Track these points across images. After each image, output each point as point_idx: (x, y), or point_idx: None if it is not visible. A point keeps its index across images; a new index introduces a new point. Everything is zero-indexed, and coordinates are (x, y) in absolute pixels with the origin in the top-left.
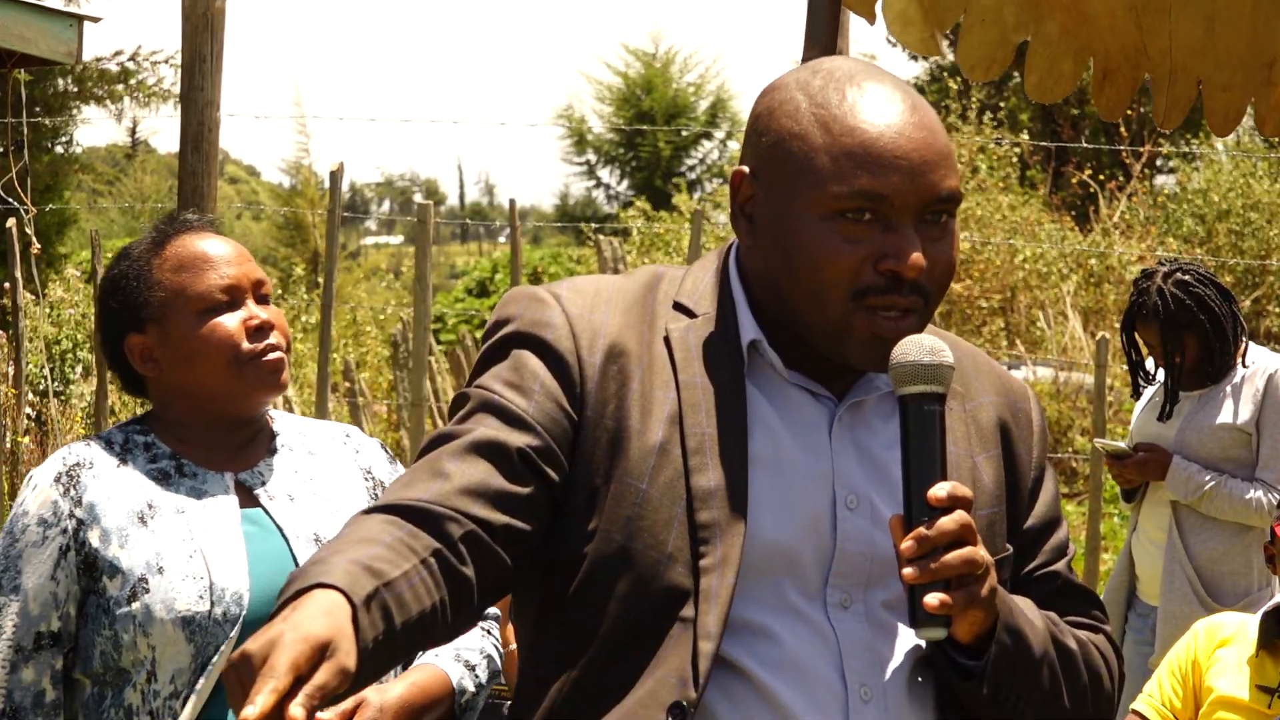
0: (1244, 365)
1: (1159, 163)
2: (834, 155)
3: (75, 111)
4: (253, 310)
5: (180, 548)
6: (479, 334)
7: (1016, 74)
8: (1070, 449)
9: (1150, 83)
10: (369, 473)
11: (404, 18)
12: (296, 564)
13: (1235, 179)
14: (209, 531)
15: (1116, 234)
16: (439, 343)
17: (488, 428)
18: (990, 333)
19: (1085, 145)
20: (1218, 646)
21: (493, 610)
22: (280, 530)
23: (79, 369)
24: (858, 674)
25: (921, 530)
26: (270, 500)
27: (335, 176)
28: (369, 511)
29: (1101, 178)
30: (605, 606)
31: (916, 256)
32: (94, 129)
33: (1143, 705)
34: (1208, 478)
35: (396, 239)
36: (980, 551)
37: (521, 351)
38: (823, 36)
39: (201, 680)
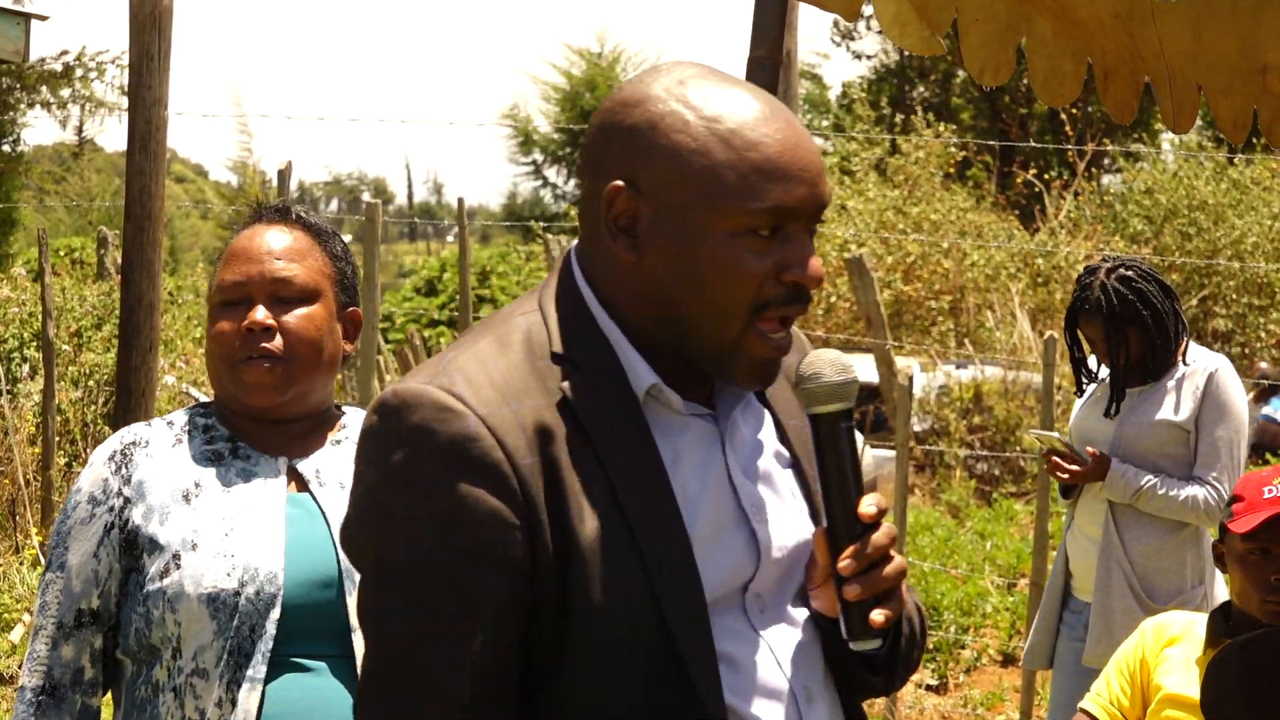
0: (1184, 363)
1: (1106, 162)
2: (741, 171)
3: (19, 113)
4: (259, 312)
5: (217, 526)
6: (427, 332)
7: (1002, 79)
8: (1019, 448)
9: (1153, 86)
10: None
11: (351, 17)
12: (336, 551)
13: (1182, 179)
14: (250, 511)
15: (1063, 233)
16: (387, 341)
17: (471, 615)
18: (939, 333)
19: (1032, 144)
20: (1166, 645)
21: None
22: (324, 516)
23: (26, 368)
24: (799, 677)
25: (857, 547)
26: (320, 487)
27: (283, 175)
28: None
29: (1047, 177)
30: (598, 695)
31: (816, 264)
32: (40, 128)
33: (1090, 704)
34: (1144, 479)
35: (345, 238)
36: (901, 560)
37: (450, 477)
38: (769, 37)
39: (250, 666)
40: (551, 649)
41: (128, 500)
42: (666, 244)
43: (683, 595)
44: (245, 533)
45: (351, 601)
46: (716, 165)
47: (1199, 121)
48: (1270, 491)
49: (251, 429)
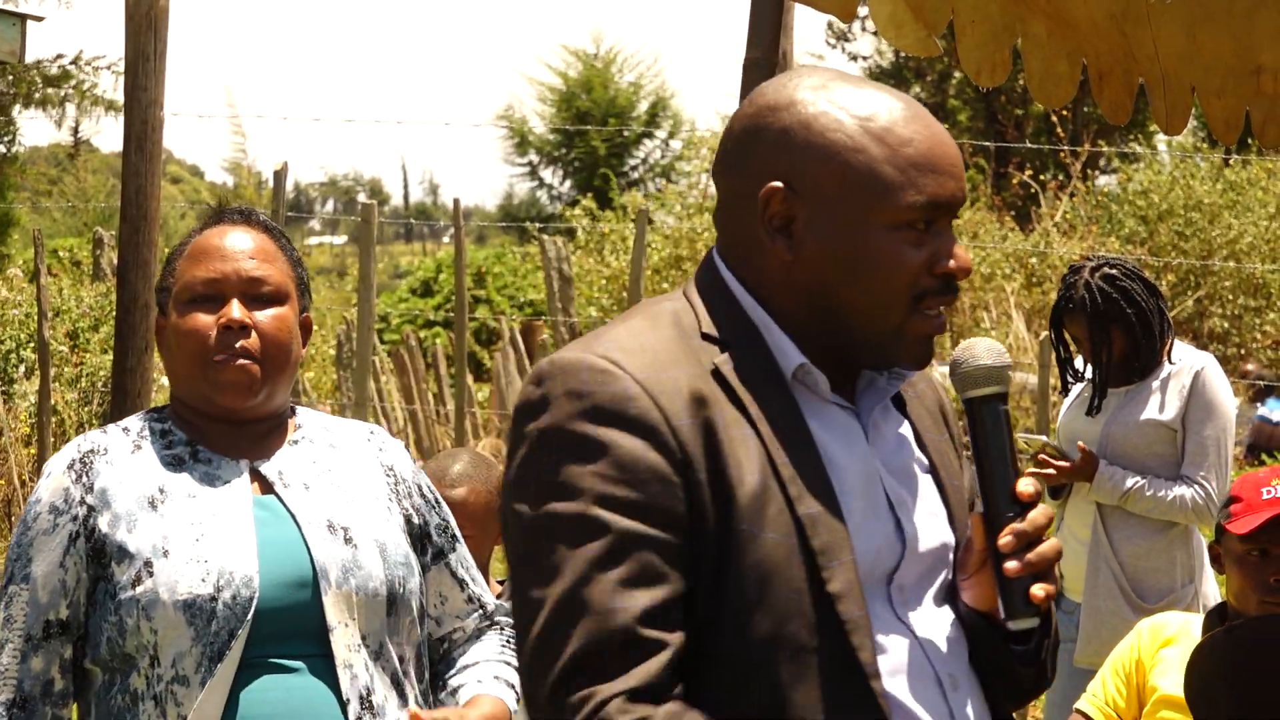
0: (1170, 362)
1: (1101, 163)
2: (899, 166)
3: (15, 113)
4: (233, 311)
5: (187, 531)
6: (423, 333)
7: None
8: None
9: (1146, 87)
10: (391, 469)
11: (347, 17)
12: (309, 551)
13: (1177, 179)
14: (218, 516)
15: (1058, 234)
16: (383, 342)
17: (635, 562)
18: None
19: (1028, 145)
20: (1161, 646)
21: (505, 608)
22: (293, 517)
23: (22, 369)
24: (944, 665)
25: (1018, 525)
26: (285, 488)
27: (279, 176)
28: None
29: (1043, 178)
30: (756, 660)
31: (965, 255)
32: (36, 129)
33: (1086, 705)
34: (1130, 481)
35: (340, 239)
36: (1057, 540)
37: (611, 436)
38: (765, 38)
39: (220, 666)
40: (708, 607)
41: (92, 509)
42: (826, 240)
43: (838, 560)
44: (216, 537)
45: (328, 600)
46: (874, 161)
47: (1194, 122)
48: (1269, 493)
49: (211, 432)
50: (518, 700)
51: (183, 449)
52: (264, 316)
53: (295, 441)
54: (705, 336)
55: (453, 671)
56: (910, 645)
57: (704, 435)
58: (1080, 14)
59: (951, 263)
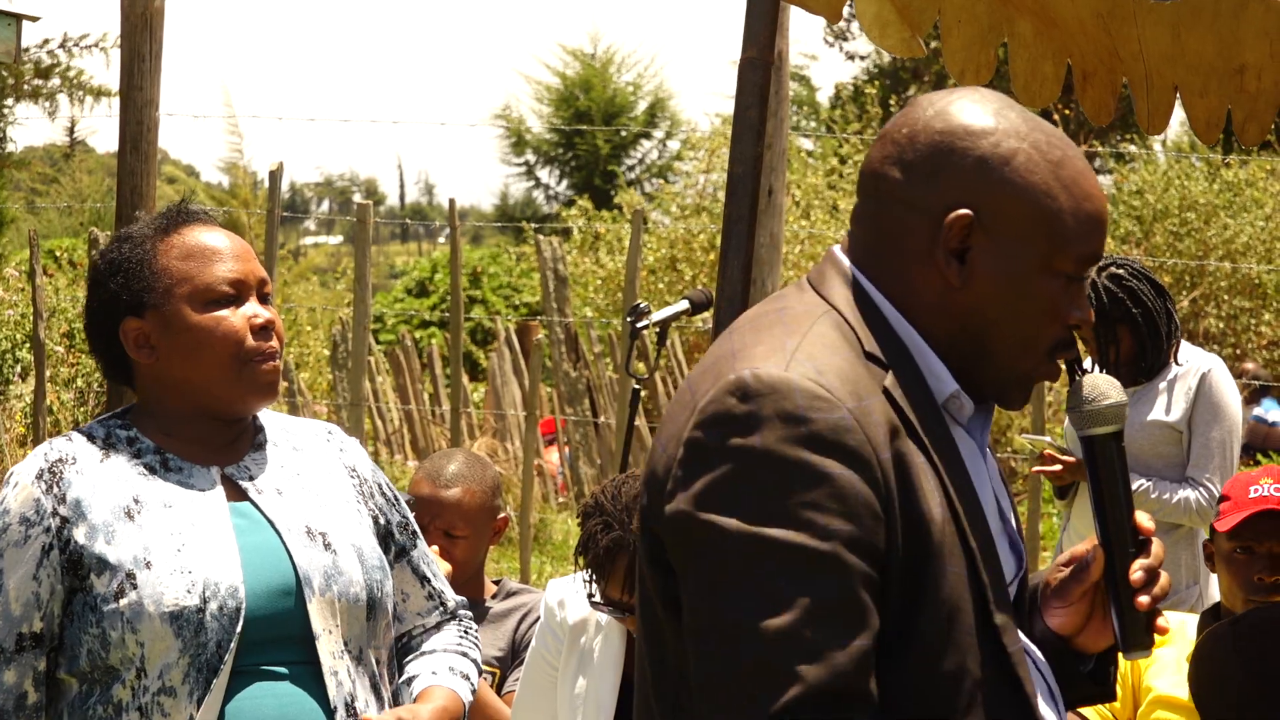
0: (1177, 363)
1: (1097, 163)
2: (1079, 218)
3: (9, 110)
4: (257, 309)
5: (168, 542)
6: (418, 333)
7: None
8: (1009, 449)
9: (1130, 86)
10: (354, 470)
11: (343, 17)
12: (290, 557)
13: (1172, 179)
14: (197, 525)
15: None
16: (378, 343)
17: (854, 600)
18: None
19: None
20: (1156, 646)
21: (462, 601)
22: (271, 523)
23: (18, 369)
24: (1051, 681)
25: (1146, 561)
26: (259, 494)
27: (274, 176)
28: None
29: None
30: (940, 696)
31: (1088, 308)
32: (31, 128)
33: None
34: (1136, 483)
35: (336, 239)
36: (1166, 575)
37: (830, 466)
38: (760, 37)
39: (216, 680)
40: (896, 643)
41: (65, 520)
42: (997, 276)
43: (1000, 592)
44: (198, 547)
45: (312, 608)
46: (1061, 209)
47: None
48: (1256, 491)
49: (181, 438)
50: (472, 691)
51: (152, 457)
52: (274, 315)
53: (260, 445)
54: (868, 355)
55: (409, 658)
56: (1032, 666)
57: (897, 467)
58: (1067, 13)
59: (1083, 315)
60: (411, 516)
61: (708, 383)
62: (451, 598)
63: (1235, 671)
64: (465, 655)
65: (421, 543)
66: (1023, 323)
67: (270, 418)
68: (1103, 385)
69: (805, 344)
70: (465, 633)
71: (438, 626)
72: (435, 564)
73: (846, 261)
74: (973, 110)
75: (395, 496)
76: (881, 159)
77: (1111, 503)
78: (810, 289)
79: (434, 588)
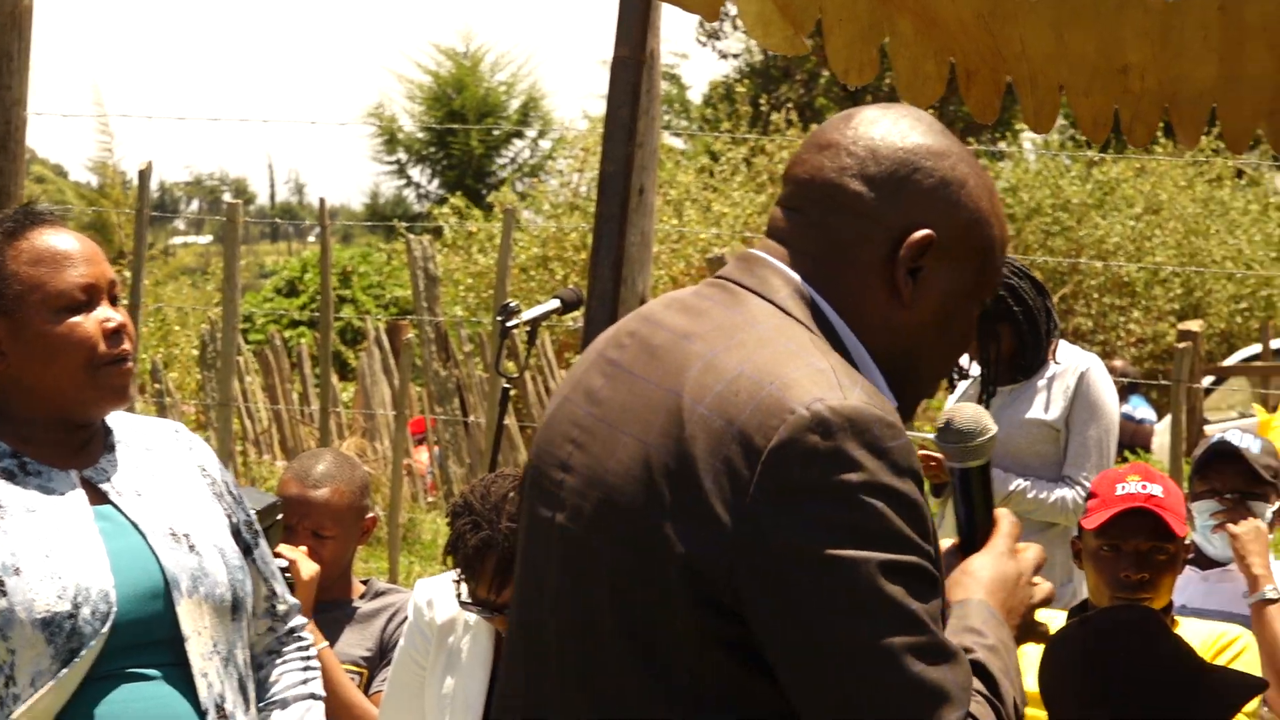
0: (1056, 362)
1: None
2: (1003, 248)
3: None
4: (109, 312)
5: (35, 547)
6: (287, 333)
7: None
8: None
9: (1014, 86)
10: (204, 470)
11: (213, 15)
12: (157, 560)
13: (1045, 178)
14: (63, 530)
15: None
16: (247, 342)
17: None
18: None
19: None
20: (1023, 643)
21: (295, 605)
22: (135, 526)
23: None
24: None
25: None
26: (119, 496)
27: (144, 175)
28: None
29: None
30: None
31: None
32: None
33: None
34: (1014, 484)
35: (205, 238)
36: None
37: (909, 488)
38: (633, 36)
39: (65, 670)
40: None
41: None
42: (941, 297)
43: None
44: (66, 552)
45: (181, 610)
46: (994, 239)
47: (1062, 120)
48: (1123, 488)
49: (37, 442)
50: None
51: (9, 461)
52: (124, 316)
53: (112, 447)
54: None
55: (264, 703)
56: None
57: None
58: (948, 13)
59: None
60: (254, 514)
61: (745, 412)
62: (285, 599)
63: (1080, 671)
64: (314, 695)
65: (263, 541)
66: (949, 346)
67: (117, 418)
68: (984, 420)
69: (835, 366)
70: (307, 662)
71: (279, 645)
72: (274, 563)
73: (792, 272)
74: (926, 130)
75: (239, 495)
76: (838, 170)
77: (981, 527)
78: (755, 296)
79: (272, 587)
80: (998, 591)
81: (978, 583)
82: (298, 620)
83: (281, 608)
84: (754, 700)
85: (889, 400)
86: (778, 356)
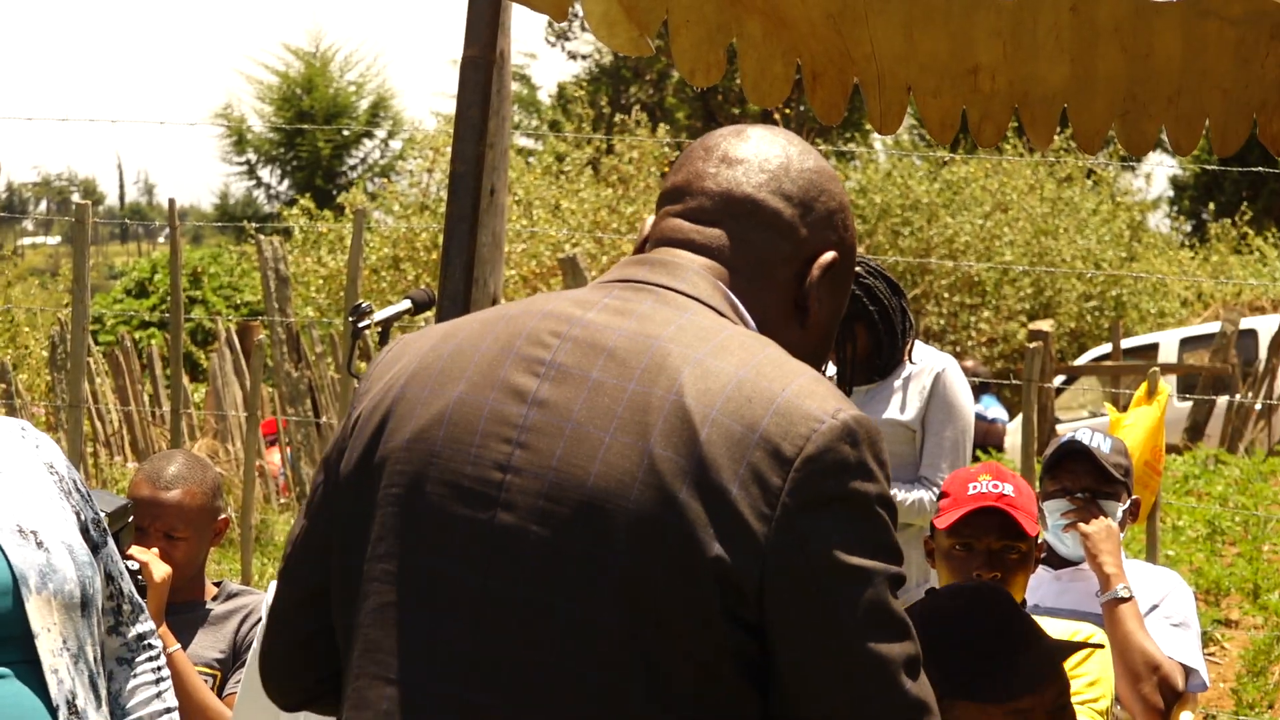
0: (911, 362)
1: None
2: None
3: None
4: None
5: None
6: (138, 334)
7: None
8: None
9: (861, 87)
10: (52, 468)
11: (60, 14)
12: (5, 557)
13: (895, 179)
14: None
15: None
16: (97, 344)
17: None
18: None
19: None
20: None
21: (149, 629)
22: None
23: None
24: None
25: None
26: None
27: None
28: None
29: None
30: None
31: None
32: None
33: None
34: None
35: (54, 239)
36: None
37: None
38: (482, 36)
39: None
40: None
41: None
42: (828, 318)
43: None
44: None
45: (30, 606)
46: (852, 264)
47: (911, 121)
48: (975, 488)
49: None
50: None
51: None
52: None
53: None
54: None
55: None
56: None
57: None
58: (797, 13)
59: None
60: (102, 514)
61: (765, 419)
62: (131, 598)
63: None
64: (169, 710)
65: (110, 540)
66: (820, 363)
67: None
68: None
69: (820, 378)
70: (159, 674)
71: (130, 661)
72: (121, 564)
73: (719, 282)
74: (813, 153)
75: (88, 493)
76: (756, 186)
77: None
78: (694, 301)
79: (118, 587)
80: None
81: None
82: (145, 626)
83: (127, 608)
84: (745, 714)
85: None
86: (771, 361)
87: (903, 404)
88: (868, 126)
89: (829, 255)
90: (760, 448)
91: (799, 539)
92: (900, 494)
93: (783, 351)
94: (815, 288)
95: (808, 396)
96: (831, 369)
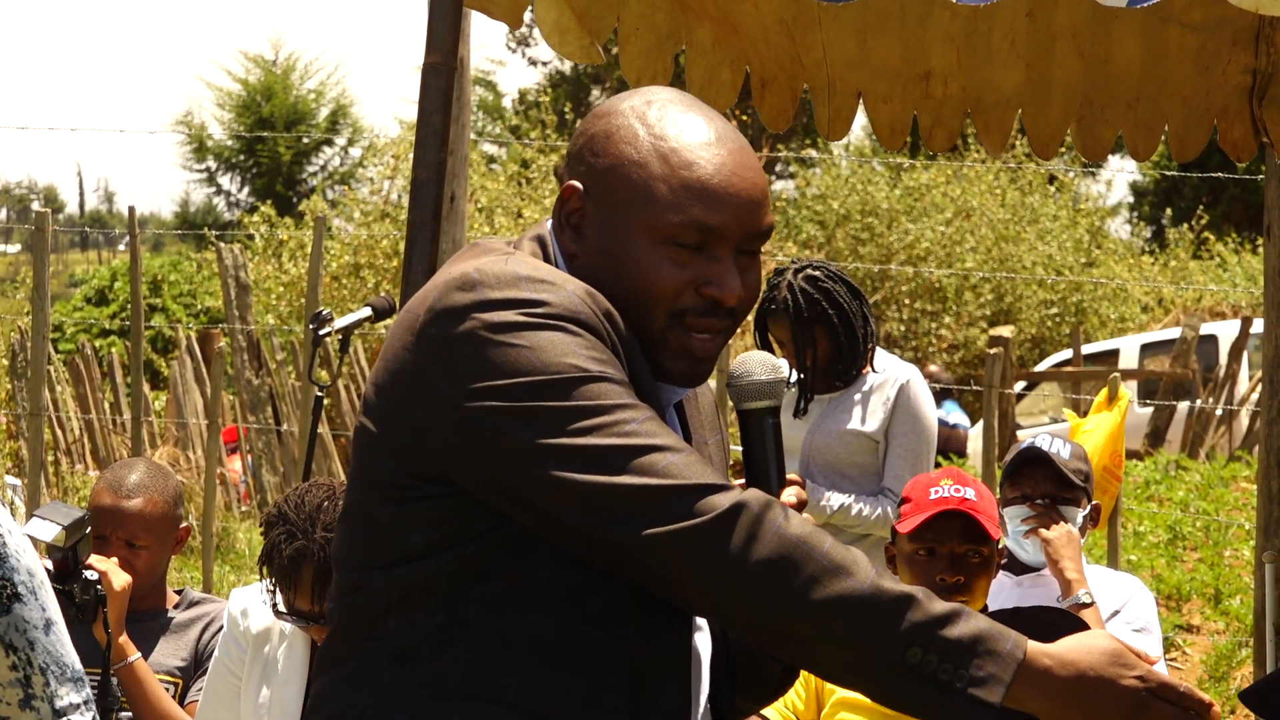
0: (874, 369)
1: (779, 168)
2: (672, 186)
3: None
4: None
5: None
6: (98, 342)
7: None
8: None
9: (810, 93)
10: None
11: (18, 21)
12: None
13: (855, 184)
14: None
15: None
16: (58, 352)
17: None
18: None
19: None
20: None
21: (85, 704)
22: None
23: None
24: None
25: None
26: None
27: None
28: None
29: None
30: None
31: (736, 285)
32: None
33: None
34: (835, 501)
35: (14, 247)
36: None
37: (559, 324)
38: (443, 43)
39: None
40: None
41: None
42: (599, 242)
43: None
44: None
45: None
46: (650, 178)
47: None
48: (936, 492)
49: None
50: None
51: None
52: None
53: None
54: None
55: None
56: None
57: None
58: (749, 19)
59: (713, 289)
60: (15, 578)
61: (417, 299)
62: (47, 667)
63: None
64: None
65: (19, 608)
66: (627, 286)
67: None
68: (751, 362)
69: (520, 259)
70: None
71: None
72: (34, 632)
73: (544, 232)
74: (613, 100)
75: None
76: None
77: (759, 476)
78: (516, 252)
79: (22, 657)
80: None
81: (1054, 652)
82: (77, 696)
83: (39, 680)
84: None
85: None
86: (465, 259)
87: (865, 415)
88: None
89: (568, 185)
90: (407, 323)
91: (430, 385)
92: (865, 508)
93: (502, 253)
94: (562, 218)
95: (453, 268)
96: (794, 375)
